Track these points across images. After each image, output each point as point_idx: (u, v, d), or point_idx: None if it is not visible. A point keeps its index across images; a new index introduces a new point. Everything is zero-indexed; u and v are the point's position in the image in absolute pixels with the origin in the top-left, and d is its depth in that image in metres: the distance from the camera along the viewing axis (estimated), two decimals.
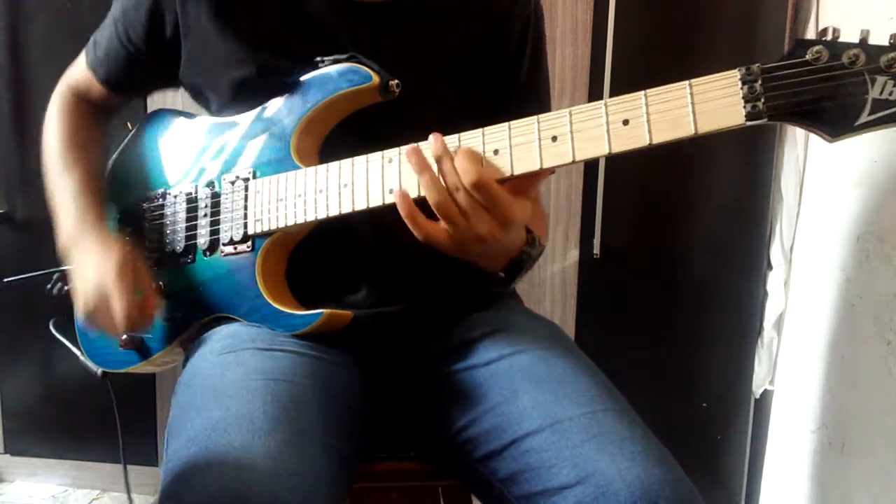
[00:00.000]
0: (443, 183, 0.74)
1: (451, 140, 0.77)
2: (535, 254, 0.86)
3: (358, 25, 0.90)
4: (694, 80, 0.67)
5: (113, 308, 0.87)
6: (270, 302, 0.87)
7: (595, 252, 1.59)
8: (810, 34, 1.44)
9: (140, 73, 1.02)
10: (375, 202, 0.81)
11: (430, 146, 0.75)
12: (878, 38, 0.64)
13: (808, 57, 0.63)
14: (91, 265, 0.90)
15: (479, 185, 0.73)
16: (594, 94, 1.54)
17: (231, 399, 0.73)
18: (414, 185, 0.78)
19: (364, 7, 0.90)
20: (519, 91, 0.98)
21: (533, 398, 0.79)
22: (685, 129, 0.67)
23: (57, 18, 1.67)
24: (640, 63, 1.52)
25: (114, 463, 1.84)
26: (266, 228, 0.88)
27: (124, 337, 0.99)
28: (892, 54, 0.61)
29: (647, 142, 0.69)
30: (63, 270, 1.09)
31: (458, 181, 0.73)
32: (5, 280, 1.14)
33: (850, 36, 0.64)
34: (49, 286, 1.11)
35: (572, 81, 1.54)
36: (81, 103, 1.06)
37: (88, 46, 1.04)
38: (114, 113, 1.11)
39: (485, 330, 0.91)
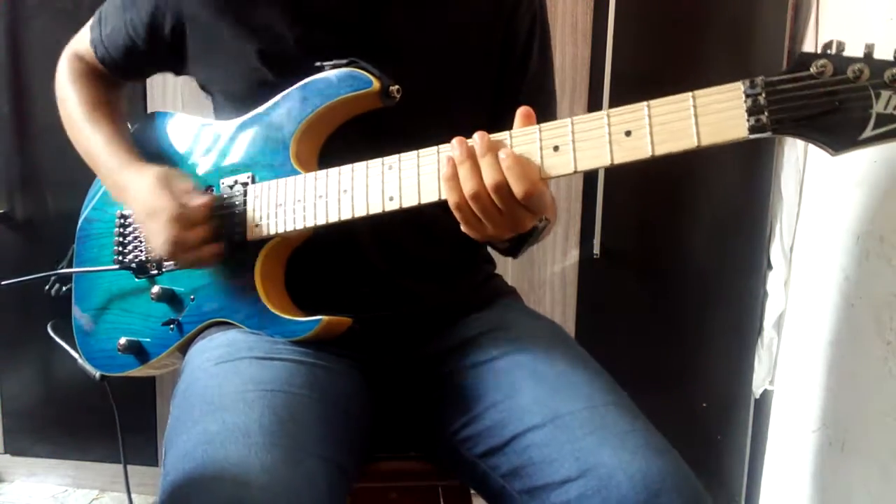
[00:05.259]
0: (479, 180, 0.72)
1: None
2: (540, 226, 0.82)
3: (367, 15, 0.89)
4: (697, 92, 0.67)
5: (167, 219, 0.85)
6: (269, 307, 0.87)
7: (595, 252, 1.59)
8: (810, 33, 1.44)
9: (138, 61, 1.01)
10: (375, 209, 0.80)
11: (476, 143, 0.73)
12: (879, 38, 0.64)
13: (812, 70, 0.63)
14: (139, 199, 0.89)
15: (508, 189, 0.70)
16: (594, 95, 1.54)
17: (227, 412, 0.72)
18: (414, 193, 0.77)
19: None
20: (529, 83, 0.97)
21: (534, 394, 0.79)
22: (688, 142, 0.67)
23: (57, 18, 1.67)
24: (640, 63, 1.52)
25: (113, 463, 1.83)
26: (265, 234, 0.87)
27: (122, 341, 0.98)
28: None
29: (650, 153, 0.69)
30: (59, 273, 1.09)
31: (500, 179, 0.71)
32: (3, 283, 1.13)
33: (853, 43, 0.64)
34: (47, 287, 1.11)
35: (572, 81, 1.54)
36: (90, 69, 1.05)
37: (94, 22, 1.03)
38: (123, 83, 1.10)
39: (485, 328, 0.91)
